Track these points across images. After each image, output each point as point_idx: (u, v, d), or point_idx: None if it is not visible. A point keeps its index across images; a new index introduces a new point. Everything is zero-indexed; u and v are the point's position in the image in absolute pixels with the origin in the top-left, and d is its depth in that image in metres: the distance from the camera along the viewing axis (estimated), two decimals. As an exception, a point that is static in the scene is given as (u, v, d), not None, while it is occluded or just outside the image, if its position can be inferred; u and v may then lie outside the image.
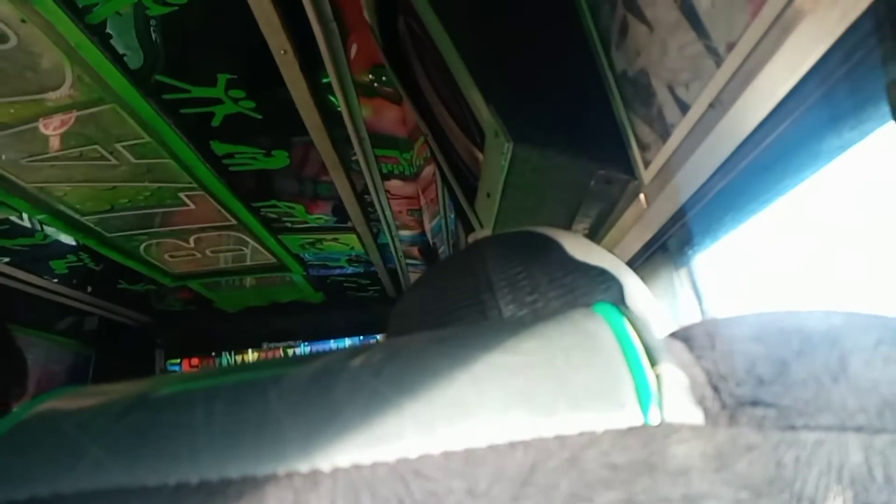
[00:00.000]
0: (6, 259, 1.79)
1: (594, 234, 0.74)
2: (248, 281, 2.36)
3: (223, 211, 1.65)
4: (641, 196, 0.57)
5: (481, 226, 0.83)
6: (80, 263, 1.97)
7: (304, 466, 0.18)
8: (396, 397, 0.19)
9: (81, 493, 0.18)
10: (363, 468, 0.18)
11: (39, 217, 1.56)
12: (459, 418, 0.18)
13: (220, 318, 2.74)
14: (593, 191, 0.62)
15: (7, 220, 1.56)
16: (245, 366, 0.23)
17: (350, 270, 2.33)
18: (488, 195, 0.72)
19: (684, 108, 0.44)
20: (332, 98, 1.12)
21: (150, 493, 0.18)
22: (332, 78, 1.04)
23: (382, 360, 0.21)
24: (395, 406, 0.19)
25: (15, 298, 1.97)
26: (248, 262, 2.17)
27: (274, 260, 2.14)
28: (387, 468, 0.18)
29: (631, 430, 0.18)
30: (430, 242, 1.89)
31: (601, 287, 0.35)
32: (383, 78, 1.11)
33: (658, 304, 0.38)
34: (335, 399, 0.19)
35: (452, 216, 1.50)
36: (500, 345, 0.21)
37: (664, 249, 0.70)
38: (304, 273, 2.30)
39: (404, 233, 1.87)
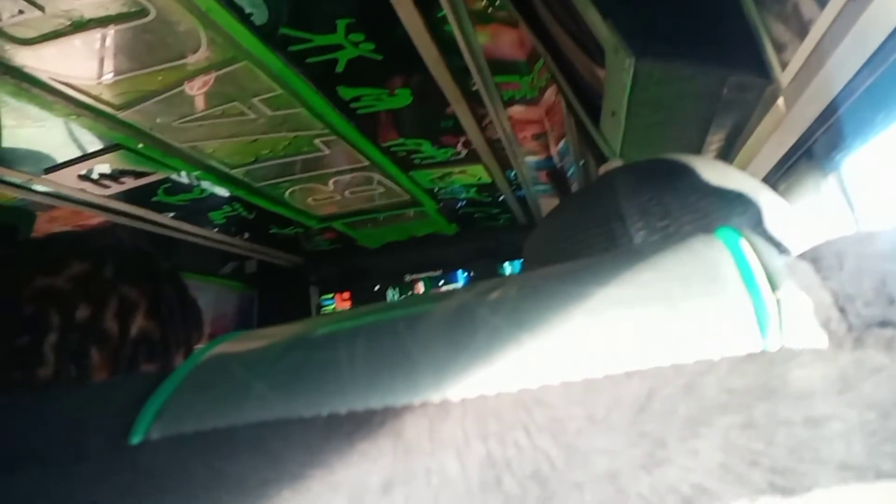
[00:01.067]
0: (172, 214, 1.99)
1: (730, 147, 0.70)
2: (386, 218, 2.46)
3: (356, 153, 1.72)
4: (780, 100, 0.53)
5: (608, 146, 0.81)
6: (235, 213, 2.14)
7: (435, 397, 0.20)
8: (516, 333, 0.20)
9: (250, 424, 0.21)
10: (488, 398, 0.19)
11: (195, 173, 1.71)
12: (577, 351, 0.19)
13: (364, 255, 2.89)
14: (726, 100, 0.58)
15: (168, 179, 1.72)
16: (383, 306, 0.25)
17: (479, 200, 2.35)
18: (613, 114, 0.69)
19: (822, 0, 0.40)
20: (447, 29, 1.12)
21: (306, 423, 0.20)
22: (446, 10, 1.03)
23: (502, 298, 0.22)
24: (516, 341, 0.20)
25: (184, 249, 2.20)
26: (384, 201, 2.25)
27: (407, 196, 2.20)
28: (510, 398, 0.19)
29: (749, 356, 0.18)
30: (558, 166, 1.86)
31: (737, 211, 0.33)
32: (497, 2, 1.09)
33: (801, 221, 0.36)
34: (460, 337, 0.21)
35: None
36: (617, 278, 0.21)
37: (808, 156, 0.65)
38: (437, 206, 2.35)
39: (531, 159, 1.85)
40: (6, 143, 1.36)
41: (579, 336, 0.20)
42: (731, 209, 0.34)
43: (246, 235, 2.45)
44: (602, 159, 0.86)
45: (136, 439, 0.22)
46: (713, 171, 0.36)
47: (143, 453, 0.21)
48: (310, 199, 2.16)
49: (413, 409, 0.20)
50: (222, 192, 1.91)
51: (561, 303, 0.21)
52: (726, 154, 0.71)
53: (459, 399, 0.19)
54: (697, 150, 0.70)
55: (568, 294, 0.21)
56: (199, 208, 2.02)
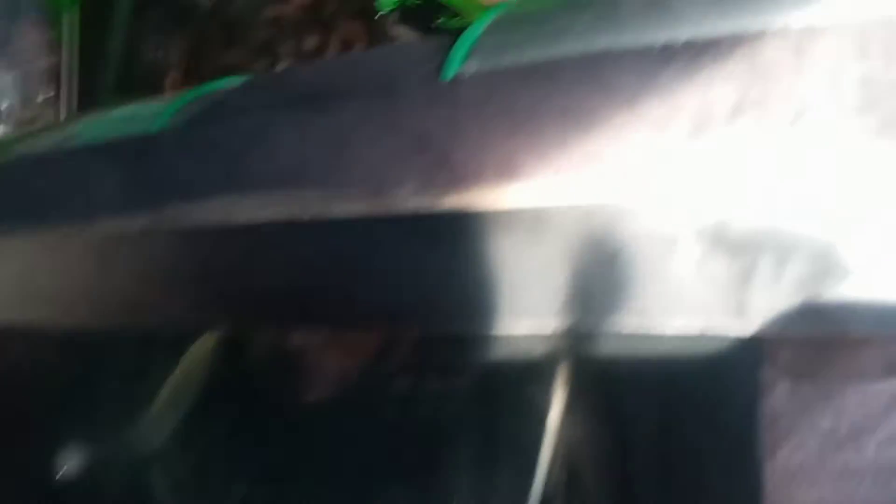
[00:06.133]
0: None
1: None
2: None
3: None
4: None
5: None
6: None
7: (797, 23, 0.17)
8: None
9: (572, 57, 0.20)
10: (869, 22, 0.17)
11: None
12: None
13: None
14: None
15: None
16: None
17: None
18: None
19: None
20: None
21: (638, 52, 0.19)
22: None
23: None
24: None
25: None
26: None
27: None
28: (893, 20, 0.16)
29: None
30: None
31: None
32: None
33: None
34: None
35: None
36: None
37: None
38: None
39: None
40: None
41: None
42: None
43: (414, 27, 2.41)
44: None
45: (449, 76, 0.22)
46: None
47: (460, 86, 0.21)
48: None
49: (772, 32, 0.18)
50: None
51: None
52: None
53: (831, 23, 0.17)
54: None
55: None
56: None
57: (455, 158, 0.21)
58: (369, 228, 0.22)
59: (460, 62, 0.22)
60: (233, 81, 0.29)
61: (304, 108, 0.23)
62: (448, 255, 0.21)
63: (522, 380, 0.22)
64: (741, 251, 0.17)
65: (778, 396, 0.18)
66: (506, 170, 0.20)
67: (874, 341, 0.17)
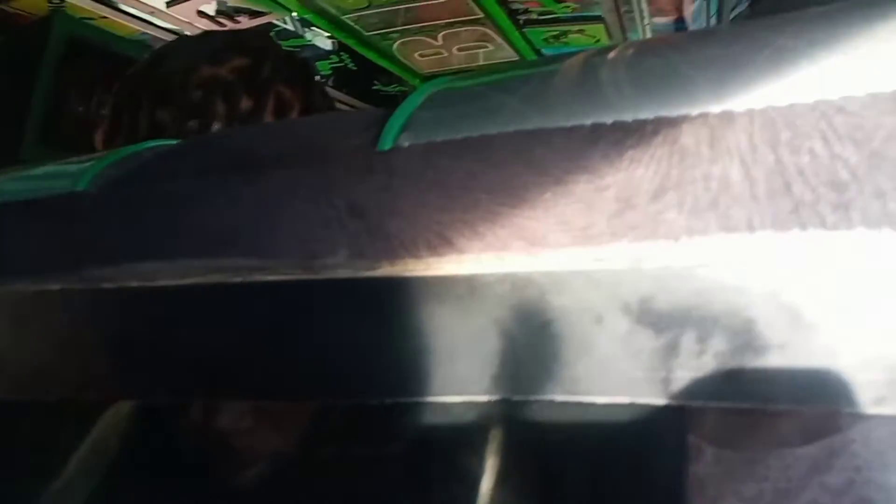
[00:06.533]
0: (283, 60, 2.00)
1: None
2: (489, 81, 2.39)
3: (471, 3, 1.65)
4: None
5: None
6: (342, 64, 2.13)
7: (715, 108, 0.19)
8: (807, 48, 0.19)
9: (506, 133, 0.21)
10: (779, 108, 0.18)
11: (307, 16, 1.69)
12: (883, 62, 0.18)
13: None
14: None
15: (277, 24, 1.72)
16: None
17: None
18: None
19: None
20: None
21: (568, 131, 0.20)
22: None
23: (784, 21, 0.20)
24: (808, 55, 0.19)
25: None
26: (492, 60, 2.18)
27: (516, 57, 2.12)
28: (805, 107, 0.18)
29: None
30: (688, 29, 1.72)
31: None
32: None
33: None
34: (739, 56, 0.19)
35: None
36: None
37: None
38: (545, 71, 2.26)
39: (658, 20, 1.72)
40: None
41: (886, 51, 0.18)
42: None
43: (345, 90, 2.45)
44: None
45: (385, 146, 0.22)
46: None
47: (395, 157, 0.21)
48: (416, 55, 2.11)
49: (691, 118, 0.19)
50: (326, 44, 1.89)
51: (856, 24, 0.19)
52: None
53: (744, 109, 0.18)
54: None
55: (865, 16, 0.19)
56: (307, 56, 2.02)
57: (388, 229, 0.21)
58: (300, 295, 0.22)
59: (396, 134, 0.22)
60: (162, 144, 0.28)
61: (234, 174, 0.23)
62: (380, 323, 0.21)
63: (455, 447, 0.22)
64: (665, 327, 0.18)
65: (704, 464, 0.18)
66: (439, 242, 0.20)
67: (792, 411, 0.18)
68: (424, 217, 0.20)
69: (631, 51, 0.22)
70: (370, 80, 2.45)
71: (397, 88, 2.53)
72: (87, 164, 0.28)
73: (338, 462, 0.23)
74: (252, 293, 0.22)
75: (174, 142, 0.29)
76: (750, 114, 0.18)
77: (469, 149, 0.21)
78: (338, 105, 2.51)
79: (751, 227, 0.17)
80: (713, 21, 1.49)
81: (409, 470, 0.22)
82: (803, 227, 0.17)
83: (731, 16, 1.43)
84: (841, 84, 0.18)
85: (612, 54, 0.22)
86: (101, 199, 0.26)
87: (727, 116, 0.18)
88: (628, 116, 0.19)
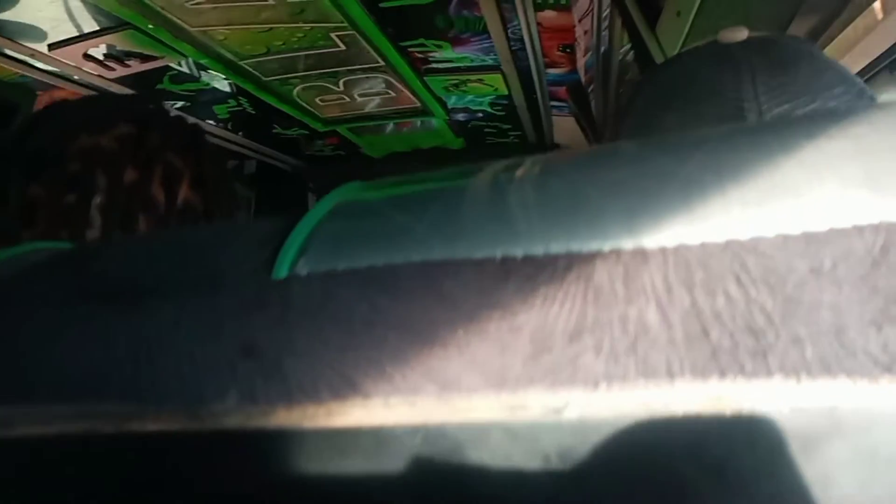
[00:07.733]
0: (179, 104, 1.92)
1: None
2: (392, 127, 2.40)
3: (372, 51, 1.65)
4: (877, 5, 0.50)
5: (662, 53, 0.77)
6: (240, 108, 2.08)
7: (628, 244, 0.18)
8: (716, 181, 0.18)
9: (413, 263, 0.19)
10: (692, 247, 0.18)
11: (203, 61, 1.64)
12: (791, 201, 0.18)
13: (366, 164, 2.83)
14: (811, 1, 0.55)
15: (172, 67, 1.66)
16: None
17: (491, 114, 2.29)
18: (678, 14, 0.66)
19: None
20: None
21: (478, 264, 0.19)
22: None
23: (689, 146, 0.20)
24: (718, 189, 0.18)
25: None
26: (393, 107, 2.19)
27: (418, 104, 2.14)
28: (717, 247, 0.17)
29: None
30: (581, 81, 1.80)
31: (864, 96, 0.31)
32: None
33: None
34: (650, 185, 0.19)
35: (604, 49, 1.41)
36: (825, 131, 0.19)
37: (892, 69, 0.62)
38: (447, 118, 2.29)
39: (553, 71, 1.79)
40: (7, 16, 1.29)
41: (792, 186, 0.18)
42: (856, 94, 0.32)
43: (241, 133, 2.38)
44: (648, 62, 0.82)
45: (281, 274, 0.20)
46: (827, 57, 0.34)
47: (292, 287, 0.20)
48: (318, 99, 2.09)
49: (604, 255, 0.18)
50: (223, 86, 1.84)
51: (768, 154, 0.19)
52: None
53: (657, 247, 0.18)
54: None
55: (773, 145, 0.19)
56: (204, 100, 1.95)
57: (285, 369, 0.19)
58: (182, 447, 0.19)
59: (293, 259, 0.20)
60: (26, 251, 0.25)
61: (109, 303, 0.20)
62: (275, 478, 0.19)
63: None
64: (586, 483, 0.17)
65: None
66: (341, 384, 0.18)
67: None
68: (325, 356, 0.18)
69: (538, 169, 0.21)
70: (269, 123, 2.40)
71: (298, 132, 2.49)
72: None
73: None
74: (126, 445, 0.19)
75: (60, 245, 0.26)
76: (663, 252, 0.18)
77: (374, 279, 0.19)
78: (237, 150, 2.44)
79: (671, 374, 0.16)
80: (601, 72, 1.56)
81: None
82: (723, 374, 0.16)
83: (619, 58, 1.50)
84: (751, 223, 0.17)
85: (520, 171, 0.21)
86: None
87: (640, 254, 0.18)
88: (539, 250, 0.18)
